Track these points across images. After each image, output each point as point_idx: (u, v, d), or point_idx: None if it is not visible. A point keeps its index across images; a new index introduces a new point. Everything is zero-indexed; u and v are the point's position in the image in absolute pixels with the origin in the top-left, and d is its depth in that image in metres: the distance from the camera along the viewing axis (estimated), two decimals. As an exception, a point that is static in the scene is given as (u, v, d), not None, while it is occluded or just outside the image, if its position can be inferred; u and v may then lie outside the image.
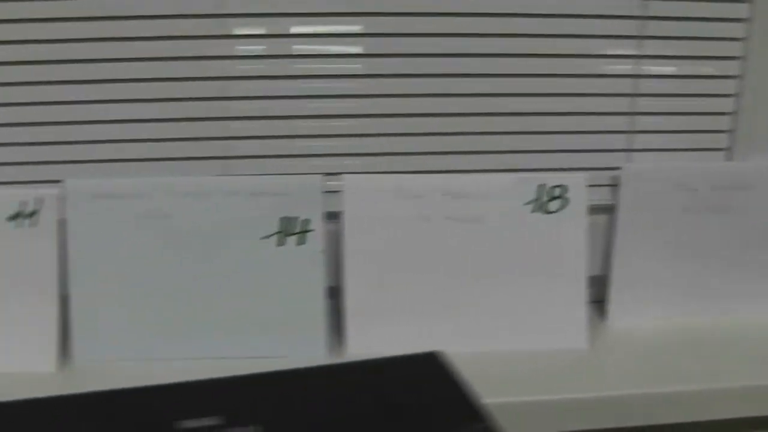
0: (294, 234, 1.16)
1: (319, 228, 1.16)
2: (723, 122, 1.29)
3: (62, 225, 1.14)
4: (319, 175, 1.17)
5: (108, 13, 1.15)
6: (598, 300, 1.27)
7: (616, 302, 1.28)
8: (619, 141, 1.29)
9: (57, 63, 1.17)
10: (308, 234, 1.16)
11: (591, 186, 1.26)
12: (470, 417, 0.83)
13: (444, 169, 1.27)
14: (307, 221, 1.16)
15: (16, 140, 1.20)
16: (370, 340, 1.17)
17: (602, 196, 1.28)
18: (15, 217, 1.14)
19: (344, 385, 0.89)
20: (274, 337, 1.17)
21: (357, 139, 1.23)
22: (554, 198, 1.21)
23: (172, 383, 0.87)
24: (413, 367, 0.93)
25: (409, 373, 0.92)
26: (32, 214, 1.14)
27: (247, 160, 1.23)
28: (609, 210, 1.28)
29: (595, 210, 1.26)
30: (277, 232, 1.16)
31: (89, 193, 1.15)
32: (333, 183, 1.17)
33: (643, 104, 1.27)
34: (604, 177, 1.28)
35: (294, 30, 1.18)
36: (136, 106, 1.19)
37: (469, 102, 1.31)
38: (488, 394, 0.89)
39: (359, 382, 0.89)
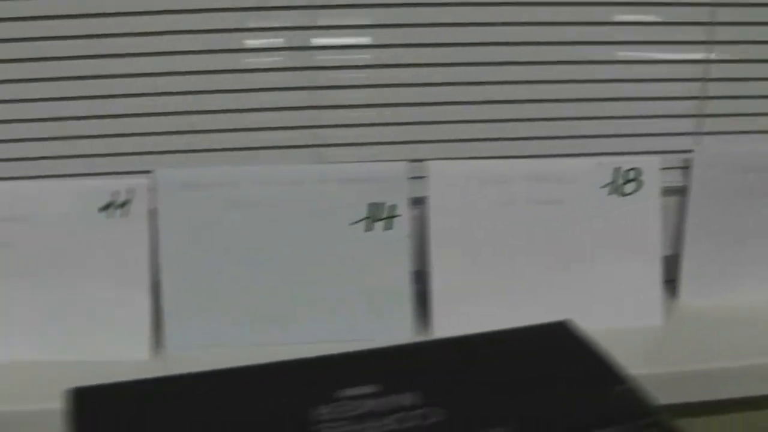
0: (381, 219, 1.19)
1: (405, 213, 1.19)
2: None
3: (153, 214, 1.15)
4: (406, 162, 1.19)
5: (201, 5, 1.17)
6: (670, 279, 1.30)
7: (688, 281, 1.32)
8: (689, 125, 1.32)
9: (144, 56, 1.19)
10: (395, 219, 1.19)
11: (663, 169, 1.33)
12: (612, 380, 0.86)
13: (526, 154, 1.28)
14: (393, 207, 1.19)
15: (106, 131, 1.21)
16: (455, 322, 1.20)
17: (674, 179, 1.30)
18: (106, 207, 1.16)
19: (488, 355, 0.92)
20: (362, 320, 1.20)
21: (442, 126, 1.25)
22: (629, 181, 1.24)
23: (330, 354, 0.90)
24: (547, 336, 0.96)
25: (543, 341, 0.95)
26: (123, 204, 1.16)
27: (336, 148, 1.25)
28: (680, 192, 1.30)
29: (667, 192, 1.28)
30: (365, 218, 1.19)
31: (179, 182, 1.17)
32: (419, 169, 1.20)
33: (713, 89, 1.29)
34: (676, 160, 1.30)
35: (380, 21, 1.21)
36: (225, 96, 1.21)
37: (548, 89, 1.34)
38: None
39: (500, 351, 0.92)
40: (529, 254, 1.24)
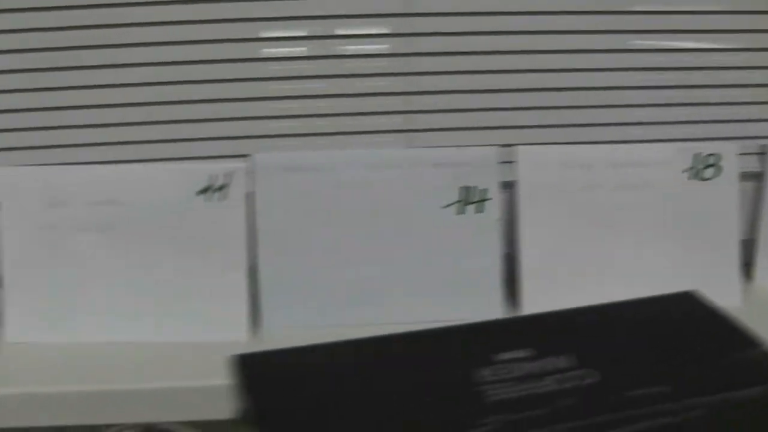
0: (473, 203, 1.22)
1: (496, 197, 1.22)
2: None
3: (250, 198, 1.18)
4: (496, 147, 1.22)
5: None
6: (746, 262, 1.33)
7: (764, 264, 1.35)
8: (766, 111, 1.41)
9: (241, 41, 1.22)
10: (486, 203, 1.22)
11: (740, 155, 1.35)
12: (745, 343, 0.90)
13: (609, 139, 1.31)
14: (485, 190, 1.22)
15: (205, 116, 1.24)
16: (544, 303, 1.23)
17: (751, 164, 1.34)
18: (205, 191, 1.19)
19: (626, 321, 0.95)
20: (454, 301, 1.23)
21: (530, 111, 1.28)
22: (709, 166, 1.28)
23: (486, 320, 0.93)
24: (675, 304, 1.00)
25: (674, 309, 0.99)
26: (221, 187, 1.18)
27: (428, 133, 1.28)
28: (757, 177, 1.34)
29: (744, 177, 1.32)
30: (456, 201, 1.22)
31: (277, 166, 1.20)
32: (508, 154, 1.23)
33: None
34: (754, 146, 1.34)
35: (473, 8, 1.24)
36: (322, 81, 1.24)
37: (630, 76, 1.37)
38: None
39: (636, 318, 0.95)
40: (612, 237, 1.27)
